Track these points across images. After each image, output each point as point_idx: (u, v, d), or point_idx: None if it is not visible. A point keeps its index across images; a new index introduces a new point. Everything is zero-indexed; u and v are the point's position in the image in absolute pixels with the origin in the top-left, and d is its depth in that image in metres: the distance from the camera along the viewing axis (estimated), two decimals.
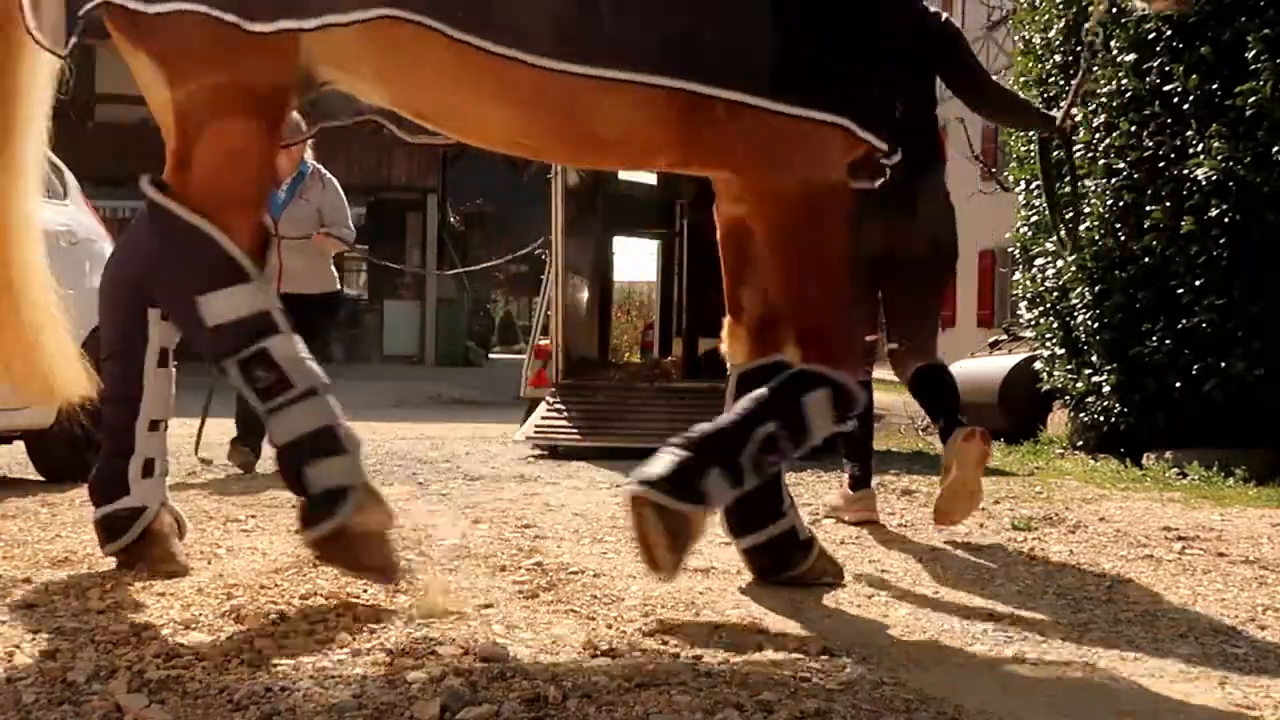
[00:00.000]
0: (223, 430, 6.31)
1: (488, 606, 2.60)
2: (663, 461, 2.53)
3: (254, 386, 2.52)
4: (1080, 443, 7.44)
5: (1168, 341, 6.19)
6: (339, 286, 6.23)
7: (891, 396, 16.58)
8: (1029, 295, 7.92)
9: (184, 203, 2.55)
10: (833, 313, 2.85)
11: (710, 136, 2.79)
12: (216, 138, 2.58)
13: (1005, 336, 10.73)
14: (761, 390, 2.73)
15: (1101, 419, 7.04)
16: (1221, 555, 3.53)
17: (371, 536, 2.52)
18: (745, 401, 2.73)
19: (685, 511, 2.47)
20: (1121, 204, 6.42)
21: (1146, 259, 6.29)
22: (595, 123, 2.77)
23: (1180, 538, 3.81)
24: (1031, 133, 5.44)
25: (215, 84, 2.57)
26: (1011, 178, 8.47)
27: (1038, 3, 7.82)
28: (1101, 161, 6.59)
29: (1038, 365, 7.97)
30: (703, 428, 2.63)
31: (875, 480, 5.40)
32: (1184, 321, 6.05)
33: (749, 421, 2.64)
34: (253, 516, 3.91)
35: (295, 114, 3.83)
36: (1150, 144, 6.21)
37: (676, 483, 2.48)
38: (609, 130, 2.81)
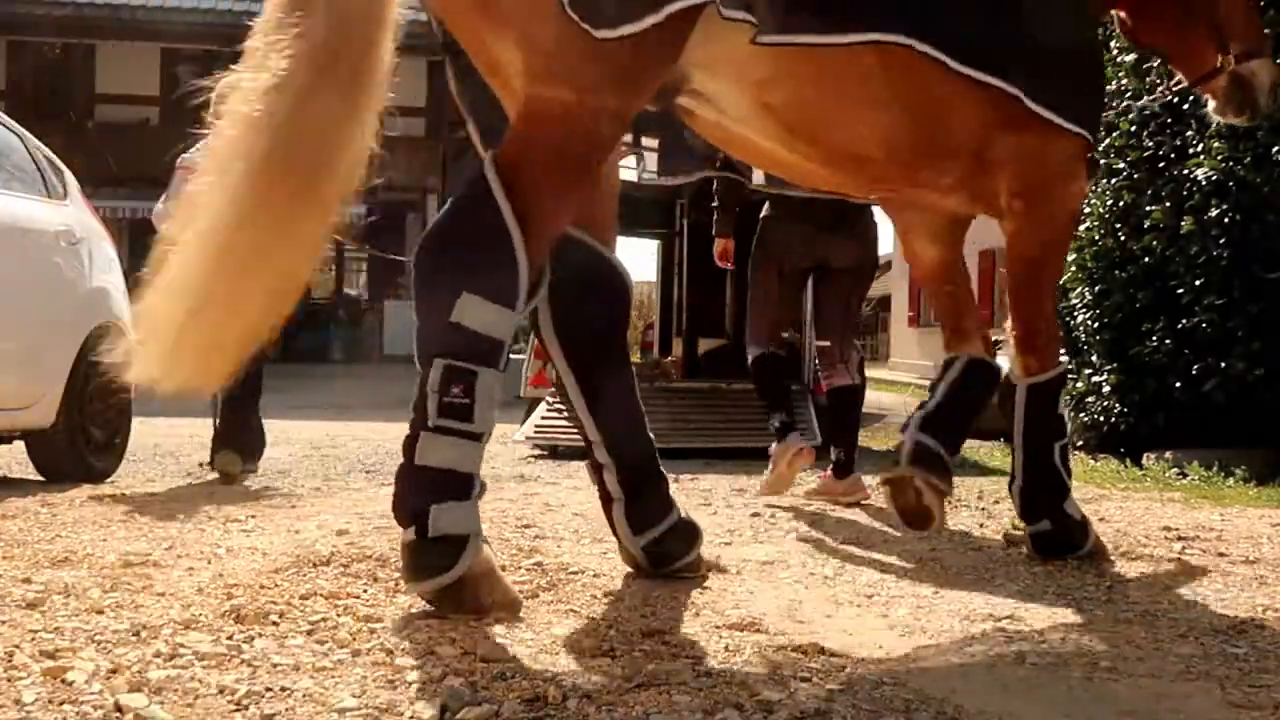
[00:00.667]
0: None
1: None
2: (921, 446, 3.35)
3: (441, 397, 2.43)
4: (1080, 443, 7.45)
5: (1168, 341, 6.19)
6: None
7: (892, 397, 16.59)
8: None
9: (511, 207, 2.41)
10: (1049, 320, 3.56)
11: (1016, 151, 3.16)
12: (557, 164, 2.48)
13: (1005, 336, 10.72)
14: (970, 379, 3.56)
15: (1101, 419, 7.05)
16: (1221, 555, 3.52)
17: (487, 576, 2.50)
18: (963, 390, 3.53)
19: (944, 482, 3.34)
20: (1121, 204, 6.43)
21: (1146, 259, 6.29)
22: (947, 133, 3.05)
23: (1180, 538, 3.81)
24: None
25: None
26: None
27: None
28: (1102, 162, 6.59)
29: None
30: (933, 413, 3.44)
31: (876, 480, 5.43)
32: (1184, 321, 6.06)
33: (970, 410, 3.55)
34: (253, 516, 3.91)
35: None
36: (1150, 144, 6.21)
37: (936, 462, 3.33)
38: (952, 141, 3.08)
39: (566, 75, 2.44)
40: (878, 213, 4.47)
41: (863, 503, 4.67)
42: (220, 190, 2.35)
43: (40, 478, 5.08)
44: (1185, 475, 5.80)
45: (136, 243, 18.53)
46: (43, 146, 5.38)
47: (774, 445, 4.84)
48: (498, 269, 2.40)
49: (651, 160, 3.67)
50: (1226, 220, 5.74)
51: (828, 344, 5.02)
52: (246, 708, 1.85)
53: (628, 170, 3.48)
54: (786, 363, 5.23)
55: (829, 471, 4.85)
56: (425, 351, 2.44)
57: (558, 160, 2.47)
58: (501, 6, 2.59)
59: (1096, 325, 6.83)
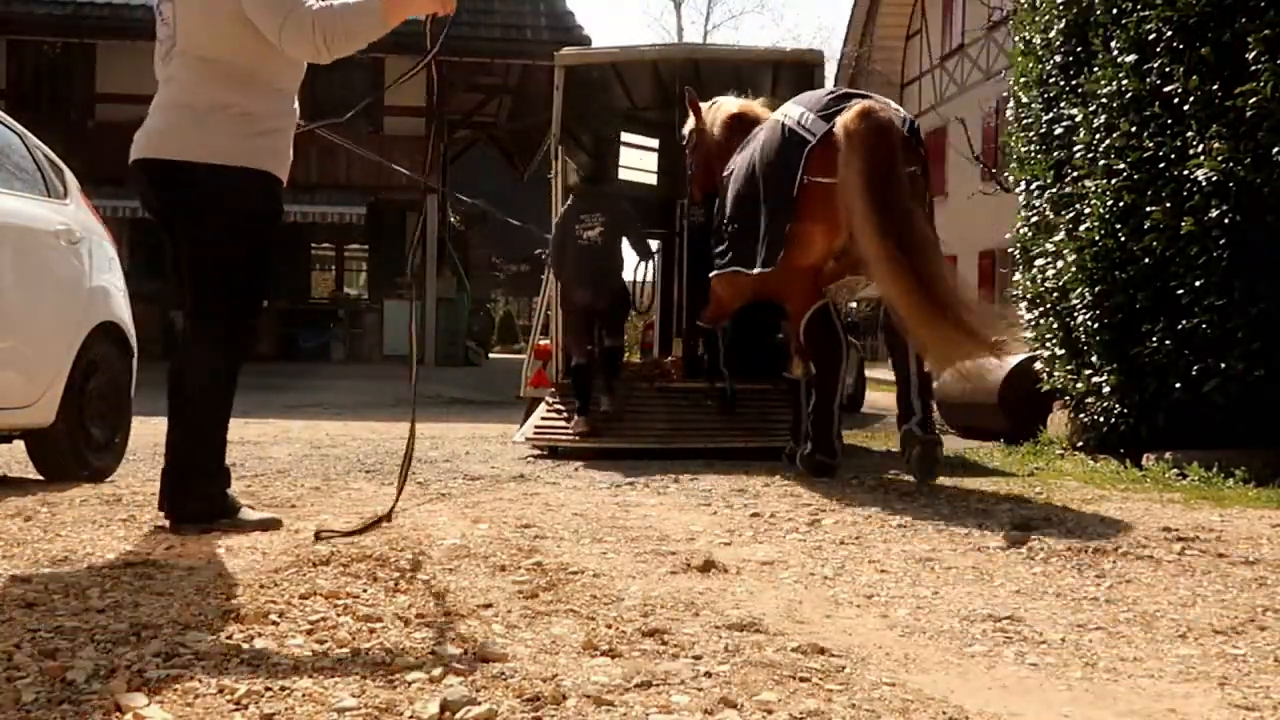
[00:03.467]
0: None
1: (488, 606, 2.60)
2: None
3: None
4: (1080, 443, 7.44)
5: (1168, 341, 6.18)
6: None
7: (891, 397, 16.56)
8: (1029, 295, 7.92)
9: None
10: None
11: None
12: None
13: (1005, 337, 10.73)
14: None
15: (1101, 419, 7.04)
16: (1221, 556, 3.52)
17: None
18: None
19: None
20: (1121, 204, 6.42)
21: (1146, 259, 6.29)
22: None
23: (1180, 538, 3.81)
24: None
25: None
26: (1011, 178, 8.48)
27: (1038, 3, 7.82)
28: (1101, 162, 6.59)
29: (1038, 365, 7.97)
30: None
31: (876, 480, 5.43)
32: (1184, 321, 6.05)
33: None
34: None
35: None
36: (1150, 144, 6.21)
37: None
38: None
39: None
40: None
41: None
42: None
43: (40, 477, 5.07)
44: (1185, 476, 5.80)
45: (136, 243, 18.57)
46: (43, 145, 5.38)
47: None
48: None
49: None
50: (1226, 221, 5.73)
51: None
52: (246, 707, 1.85)
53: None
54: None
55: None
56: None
57: None
58: None
59: (1096, 325, 6.82)
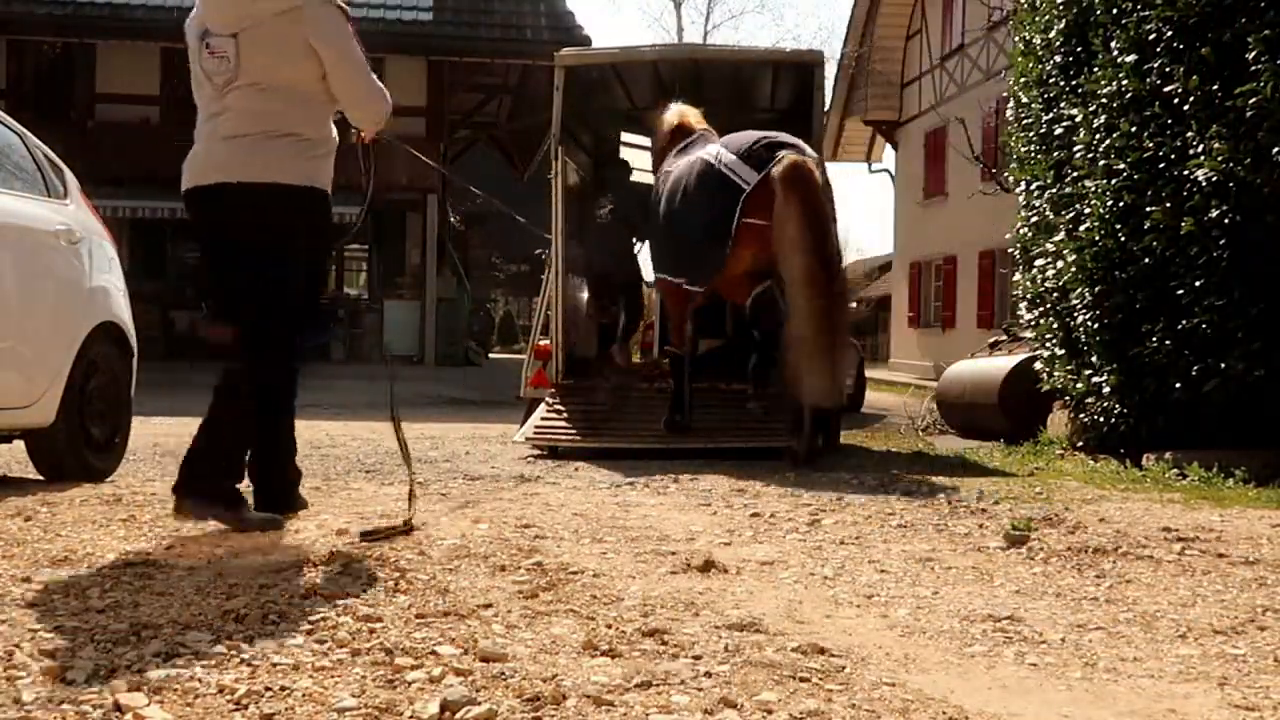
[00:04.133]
0: None
1: (487, 606, 2.60)
2: None
3: None
4: (1080, 443, 7.44)
5: (1168, 342, 6.18)
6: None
7: (892, 397, 16.57)
8: (1029, 295, 7.92)
9: None
10: None
11: None
12: None
13: (1005, 337, 10.74)
14: None
15: (1101, 419, 7.04)
16: (1221, 556, 3.52)
17: None
18: None
19: None
20: (1121, 204, 6.42)
21: (1146, 259, 6.29)
22: None
23: (1180, 538, 3.81)
24: None
25: None
26: (1011, 178, 8.48)
27: (1038, 3, 7.83)
28: (1101, 162, 6.59)
29: (1038, 365, 7.97)
30: None
31: (876, 480, 5.44)
32: (1184, 321, 6.05)
33: None
34: None
35: None
36: (1150, 144, 6.21)
37: None
38: None
39: None
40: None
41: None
42: None
43: (40, 477, 5.07)
44: (1185, 476, 5.80)
45: (136, 243, 18.57)
46: (43, 145, 5.38)
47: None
48: None
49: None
50: (1226, 221, 5.73)
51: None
52: (246, 707, 1.85)
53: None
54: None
55: None
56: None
57: None
58: None
59: (1096, 325, 6.82)
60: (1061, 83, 7.41)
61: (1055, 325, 7.50)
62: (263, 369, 3.66)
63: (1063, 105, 7.33)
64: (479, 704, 1.87)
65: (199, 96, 3.73)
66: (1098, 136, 6.68)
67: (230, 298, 3.72)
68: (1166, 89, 6.09)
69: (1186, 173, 5.92)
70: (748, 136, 6.63)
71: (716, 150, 6.64)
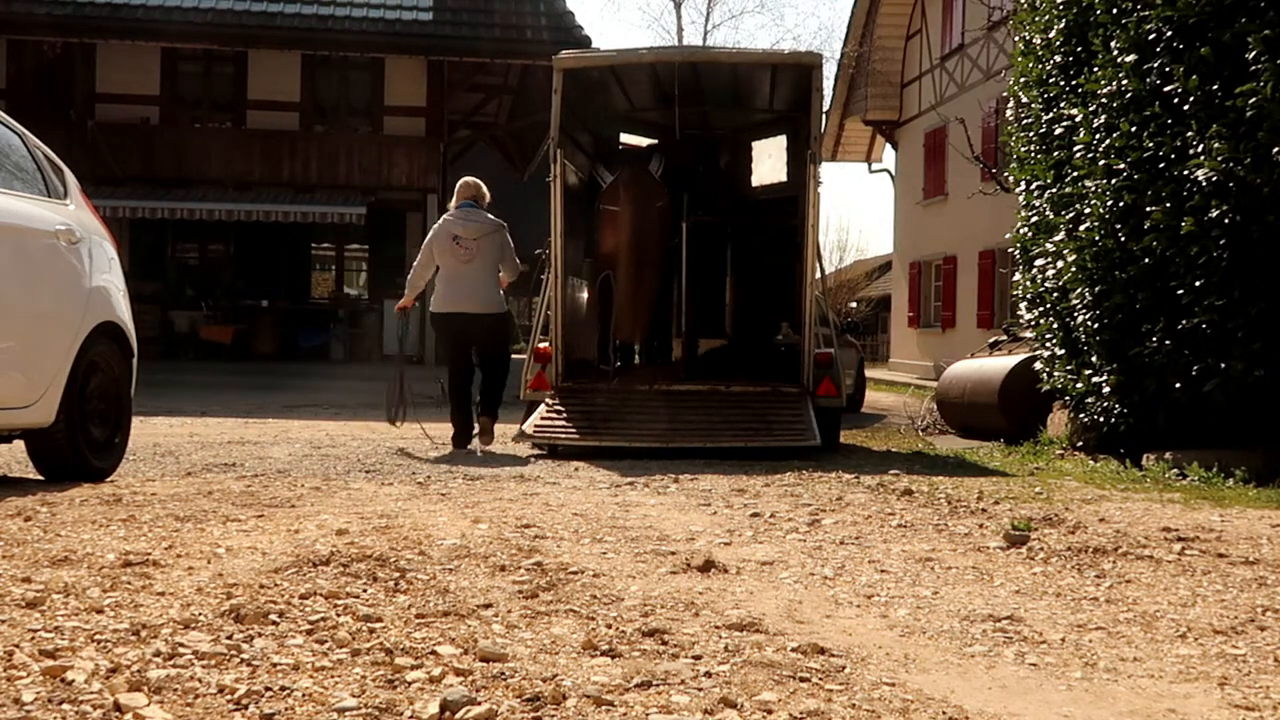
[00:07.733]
0: (221, 429, 6.30)
1: (487, 606, 2.60)
2: None
3: None
4: (1080, 443, 7.45)
5: (1168, 341, 6.19)
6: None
7: (892, 397, 16.57)
8: (1029, 295, 7.92)
9: None
10: None
11: None
12: None
13: (1005, 337, 10.75)
14: None
15: (1101, 419, 7.05)
16: (1221, 556, 3.52)
17: None
18: None
19: None
20: (1121, 204, 6.42)
21: (1146, 259, 6.29)
22: None
23: (1180, 538, 3.81)
24: None
25: None
26: (1011, 178, 8.48)
27: (1038, 3, 7.83)
28: (1101, 162, 6.59)
29: (1038, 365, 7.97)
30: None
31: (876, 480, 5.44)
32: (1184, 321, 6.05)
33: None
34: (253, 516, 3.91)
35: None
36: (1150, 144, 6.21)
37: None
38: None
39: None
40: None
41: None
42: None
43: (40, 477, 5.07)
44: (1185, 476, 5.80)
45: (137, 243, 18.57)
46: (43, 145, 5.38)
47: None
48: None
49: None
50: (1226, 221, 5.74)
51: None
52: (246, 707, 1.85)
53: None
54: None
55: None
56: None
57: None
58: None
59: (1096, 325, 6.82)
60: (1061, 83, 7.42)
61: (1055, 325, 7.50)
62: (500, 379, 7.54)
63: (1063, 105, 7.33)
64: (479, 704, 1.87)
65: (443, 262, 7.44)
66: (1098, 136, 6.68)
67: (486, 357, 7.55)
68: (1166, 89, 6.09)
69: (1186, 173, 5.92)
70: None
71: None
